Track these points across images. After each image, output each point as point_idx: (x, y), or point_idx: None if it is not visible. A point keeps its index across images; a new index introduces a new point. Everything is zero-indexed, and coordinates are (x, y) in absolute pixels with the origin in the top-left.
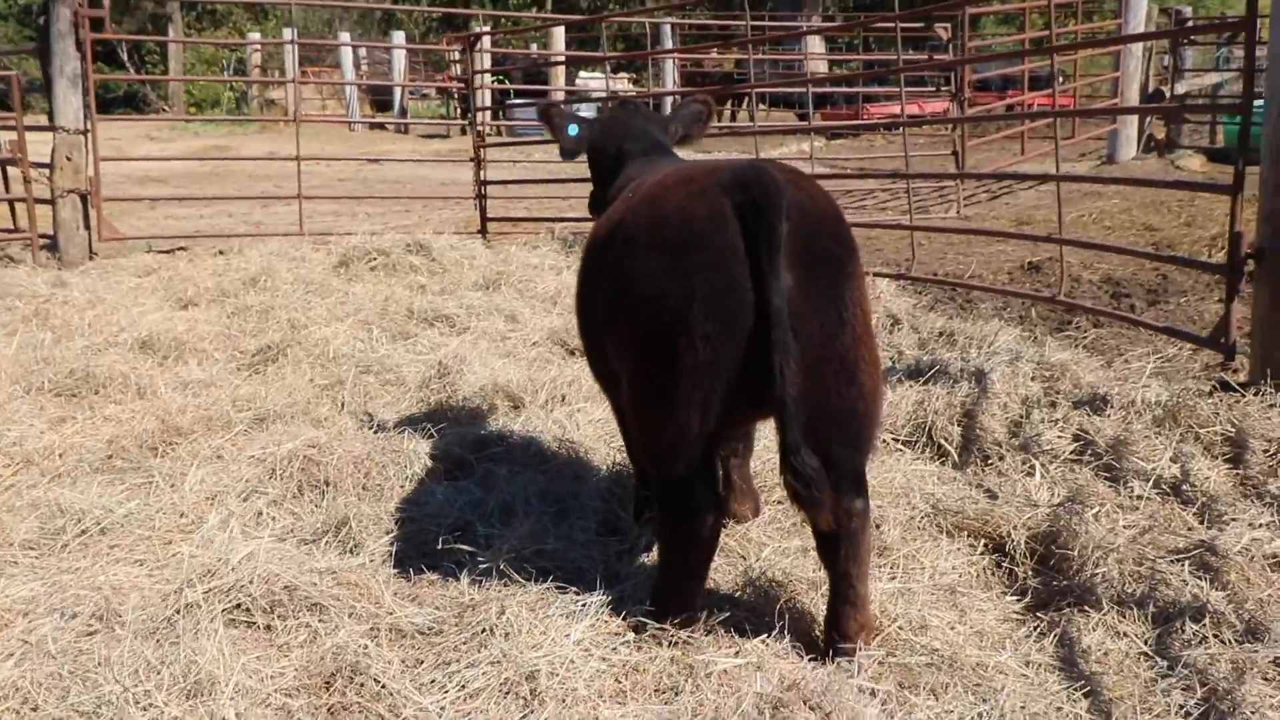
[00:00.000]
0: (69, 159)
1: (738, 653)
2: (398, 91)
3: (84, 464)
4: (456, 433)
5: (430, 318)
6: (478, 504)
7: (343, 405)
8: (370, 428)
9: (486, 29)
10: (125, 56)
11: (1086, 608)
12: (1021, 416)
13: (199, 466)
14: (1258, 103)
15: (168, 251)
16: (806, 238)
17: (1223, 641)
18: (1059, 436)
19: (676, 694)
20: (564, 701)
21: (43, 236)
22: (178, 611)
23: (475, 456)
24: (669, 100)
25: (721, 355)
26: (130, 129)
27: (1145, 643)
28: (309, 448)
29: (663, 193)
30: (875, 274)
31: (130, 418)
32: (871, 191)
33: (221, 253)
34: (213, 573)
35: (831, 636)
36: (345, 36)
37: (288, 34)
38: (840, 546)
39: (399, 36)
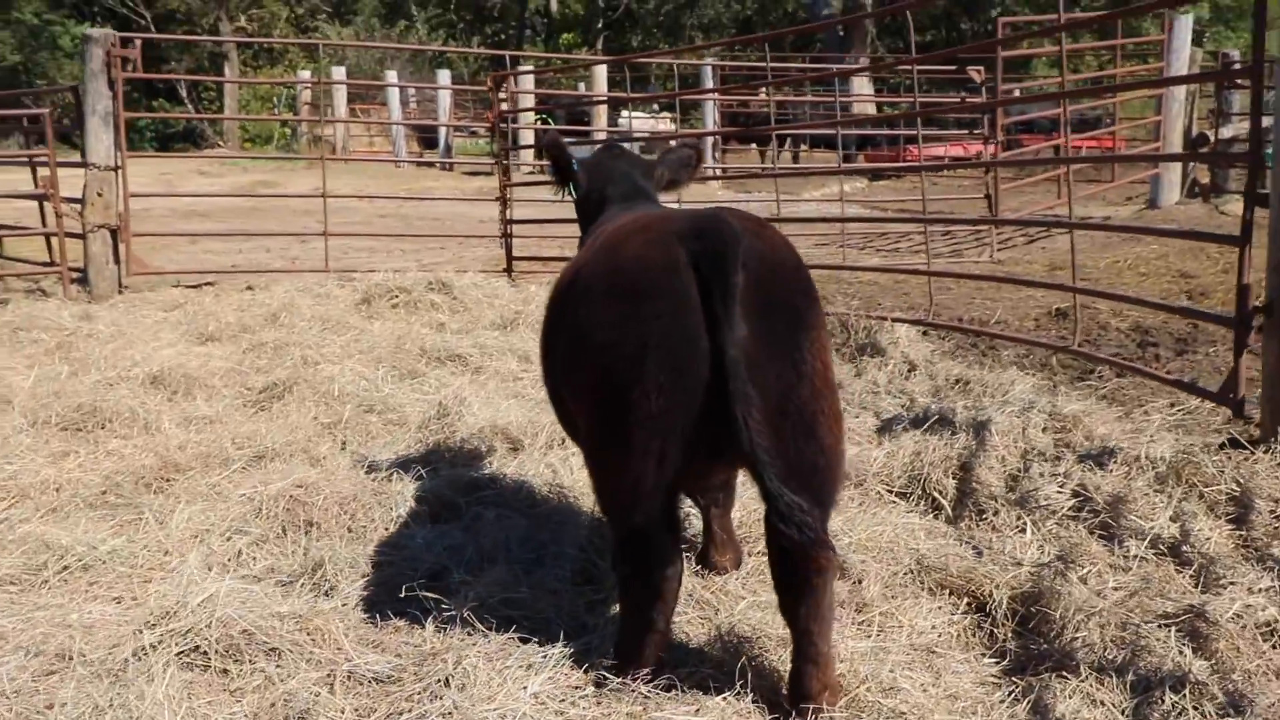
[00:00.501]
0: (99, 194)
1: (698, 711)
2: (442, 130)
3: (78, 499)
4: (450, 474)
5: (443, 356)
6: (457, 549)
7: (343, 444)
8: (363, 468)
9: (527, 69)
10: (185, 94)
11: (1065, 673)
12: (1021, 470)
13: (190, 504)
14: (1270, 149)
15: (195, 286)
16: (763, 287)
17: (1203, 714)
18: (1058, 491)
19: None
20: None
21: (73, 270)
22: (134, 654)
23: (465, 499)
24: (709, 141)
25: (676, 405)
26: (182, 164)
27: (1122, 712)
28: (296, 487)
29: (620, 240)
30: (894, 319)
31: (131, 453)
32: (907, 234)
33: (250, 288)
34: (171, 614)
35: (794, 696)
36: (393, 76)
37: (338, 73)
38: (801, 604)
39: (445, 76)
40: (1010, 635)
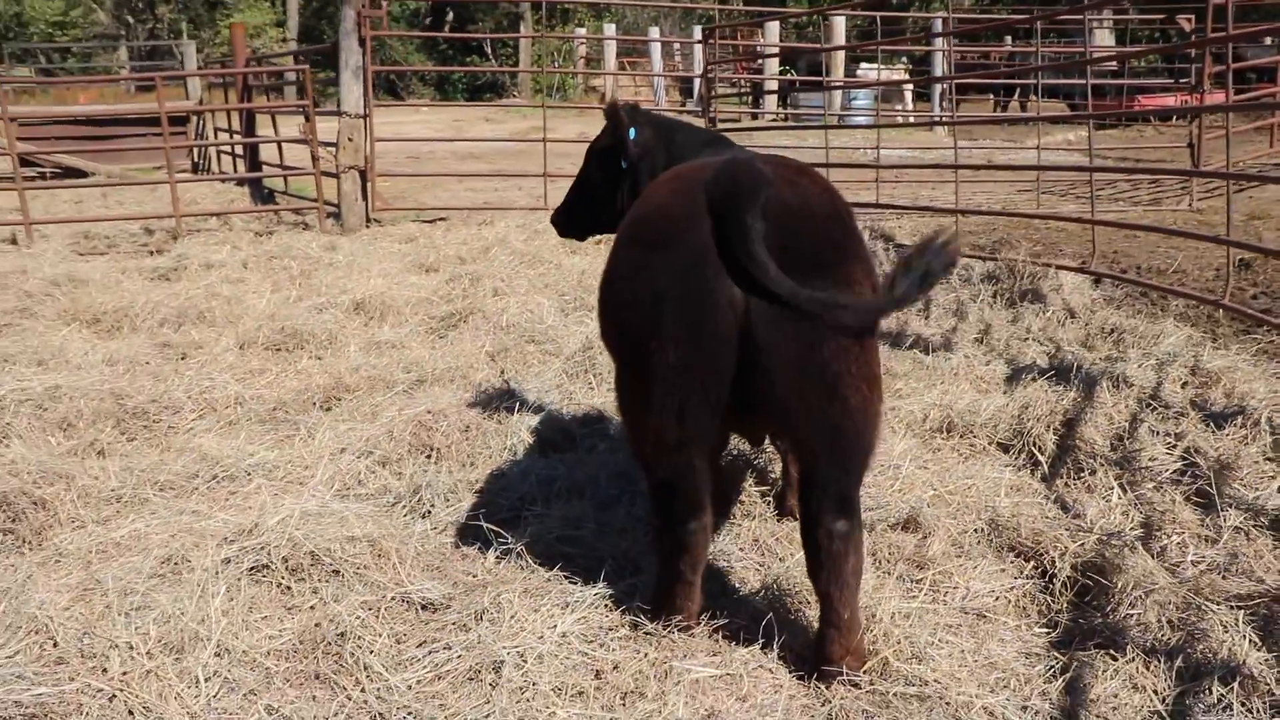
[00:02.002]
0: (350, 139)
1: (720, 663)
2: (696, 81)
3: (253, 414)
4: (576, 406)
5: None
6: (549, 480)
7: (501, 371)
8: (500, 396)
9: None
10: (490, 50)
11: (1113, 652)
12: (1128, 428)
13: (340, 423)
14: None
15: (431, 221)
16: (787, 236)
17: (1249, 711)
18: (1165, 453)
19: (642, 696)
20: (521, 695)
21: (328, 204)
22: (219, 564)
23: (582, 431)
24: (937, 89)
25: (694, 359)
26: (472, 111)
27: (1163, 700)
28: (427, 414)
29: (653, 189)
30: (1058, 266)
31: (313, 374)
32: (1113, 182)
33: (481, 224)
34: (248, 532)
35: (817, 658)
36: (654, 32)
37: (609, 29)
38: (822, 567)
39: (697, 31)
40: (1066, 606)
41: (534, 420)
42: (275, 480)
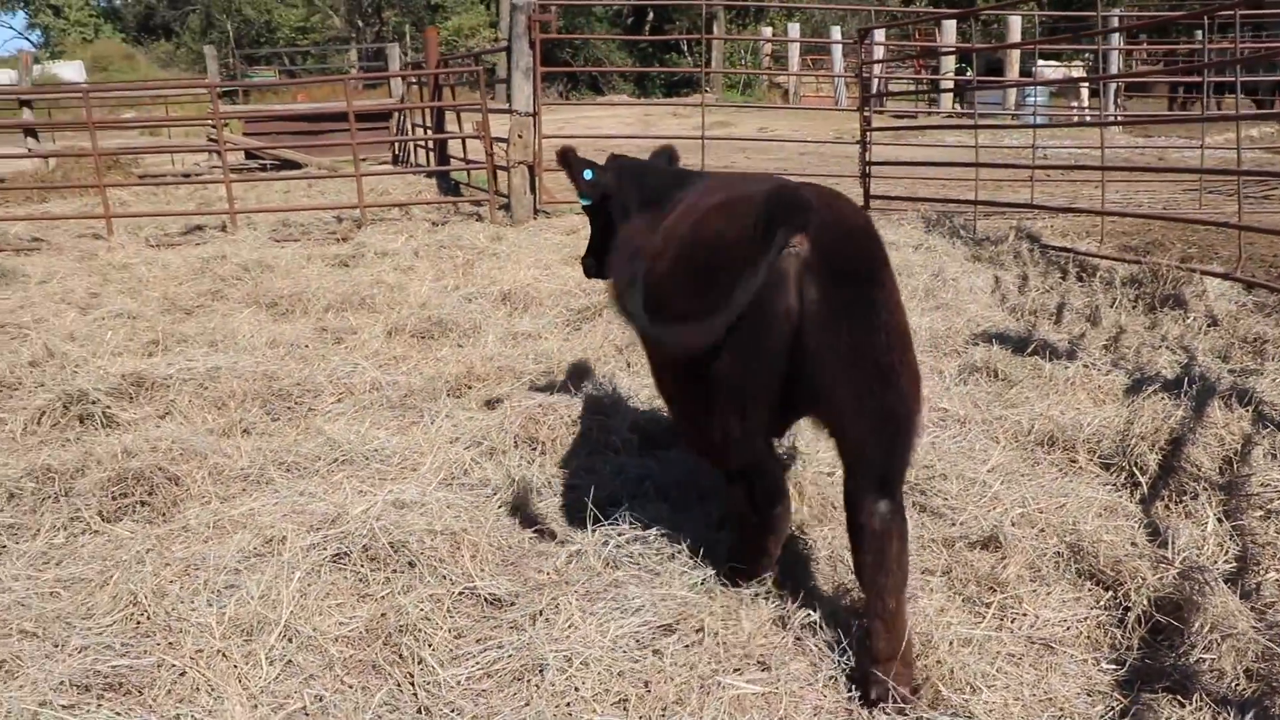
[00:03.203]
0: (520, 136)
1: (769, 679)
2: (874, 81)
3: (386, 400)
4: None
5: None
6: (641, 479)
7: (628, 364)
8: (616, 391)
9: (880, 25)
10: (686, 49)
11: (1181, 698)
12: (1239, 451)
13: (459, 411)
14: None
15: None
16: (831, 251)
17: None
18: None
19: (681, 708)
20: (561, 699)
21: (500, 195)
22: (305, 549)
23: None
24: (1111, 87)
25: (755, 366)
26: (659, 110)
27: None
28: (538, 407)
29: (702, 216)
30: (1203, 271)
31: (449, 362)
32: None
33: None
34: (333, 521)
35: (861, 659)
36: (836, 32)
37: (792, 29)
38: (868, 554)
39: (880, 34)
40: (1138, 643)
41: (642, 417)
42: (389, 466)
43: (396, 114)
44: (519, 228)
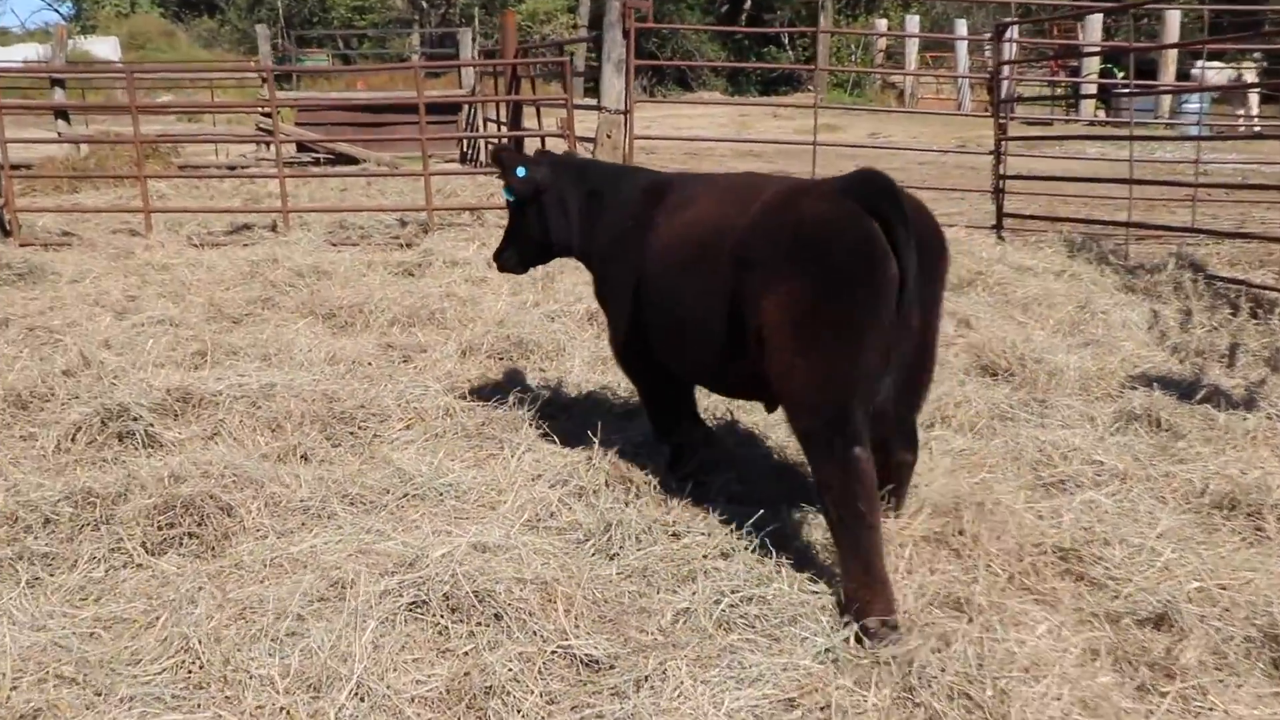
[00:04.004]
0: (609, 136)
1: None
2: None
3: (461, 428)
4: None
5: None
6: (754, 529)
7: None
8: (719, 430)
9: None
10: (788, 43)
11: None
12: None
13: (542, 444)
14: None
15: None
16: (916, 228)
17: None
18: None
19: None
20: None
21: None
22: (378, 595)
23: (798, 478)
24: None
25: (878, 322)
26: (757, 110)
27: None
28: (630, 444)
29: (784, 200)
30: None
31: (532, 388)
32: None
33: None
34: (410, 565)
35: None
36: (961, 27)
37: (910, 23)
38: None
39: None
40: None
41: (753, 455)
42: (466, 503)
43: (467, 107)
44: None
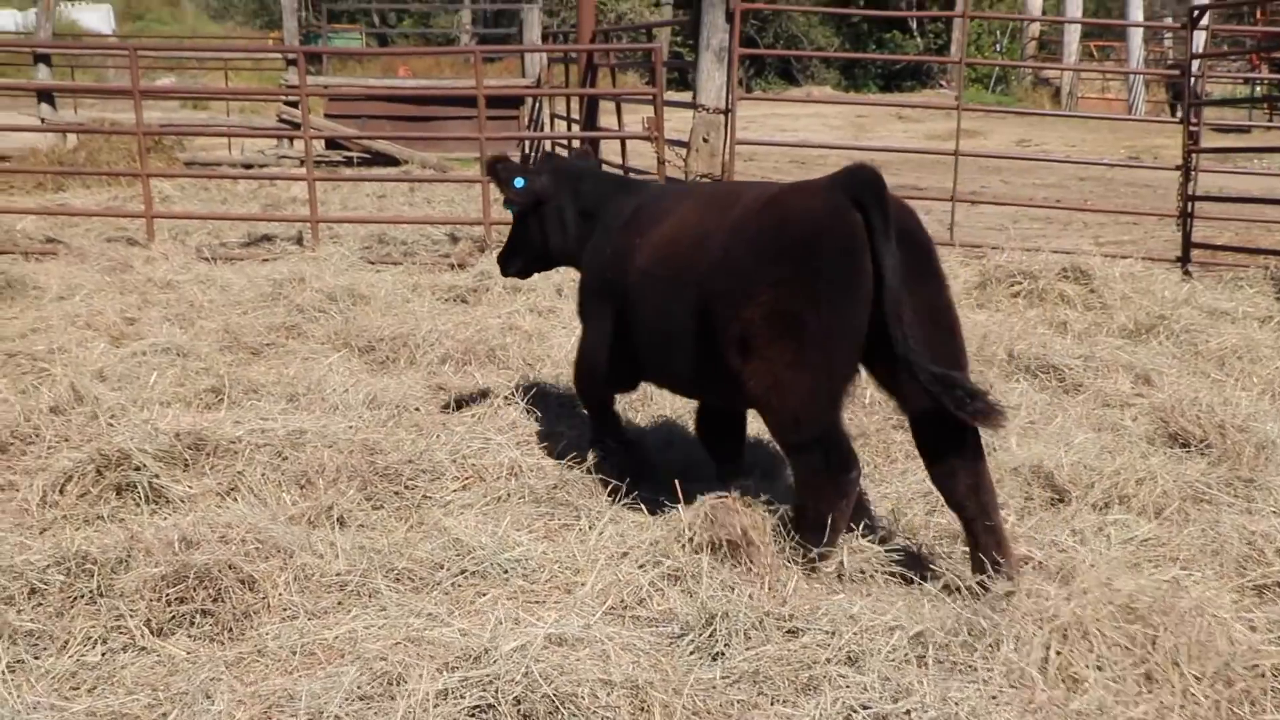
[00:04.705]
0: (705, 140)
1: None
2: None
3: (529, 490)
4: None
5: (1033, 366)
6: (889, 629)
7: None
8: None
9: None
10: (916, 29)
11: None
12: None
13: (630, 514)
14: None
15: None
16: (899, 222)
17: None
18: None
19: None
20: None
21: None
22: (433, 696)
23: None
24: None
25: (850, 321)
26: (879, 111)
27: None
28: (733, 510)
29: (772, 201)
30: None
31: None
32: None
33: None
34: (476, 659)
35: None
36: (1137, 12)
37: (1071, 6)
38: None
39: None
40: None
41: (892, 527)
42: (536, 583)
43: (531, 101)
44: None
